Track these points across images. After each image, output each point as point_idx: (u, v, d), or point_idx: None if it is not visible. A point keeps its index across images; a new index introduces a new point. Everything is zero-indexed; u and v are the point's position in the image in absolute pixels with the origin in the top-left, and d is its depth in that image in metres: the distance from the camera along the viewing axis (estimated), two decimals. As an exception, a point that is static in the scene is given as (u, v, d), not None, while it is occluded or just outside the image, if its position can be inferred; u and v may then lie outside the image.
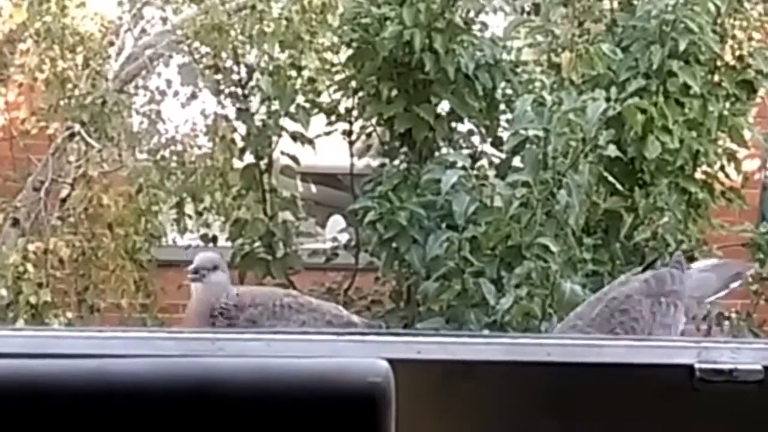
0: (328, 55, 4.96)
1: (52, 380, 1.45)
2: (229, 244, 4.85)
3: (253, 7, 4.83)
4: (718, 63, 4.69)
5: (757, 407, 1.71)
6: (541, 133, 4.24)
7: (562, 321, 3.08)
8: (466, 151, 4.79)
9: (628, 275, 3.12)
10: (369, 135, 4.96)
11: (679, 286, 2.82)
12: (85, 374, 1.46)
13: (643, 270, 2.98)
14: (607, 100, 4.31)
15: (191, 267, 2.86)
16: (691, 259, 4.75)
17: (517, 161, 4.55)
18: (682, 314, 2.80)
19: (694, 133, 4.60)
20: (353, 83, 4.83)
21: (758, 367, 1.70)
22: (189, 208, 4.95)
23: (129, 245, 4.86)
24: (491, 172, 4.62)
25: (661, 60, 4.51)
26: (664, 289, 2.79)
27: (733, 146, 4.79)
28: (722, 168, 4.78)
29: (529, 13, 5.08)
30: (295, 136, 4.89)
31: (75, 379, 1.45)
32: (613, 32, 4.74)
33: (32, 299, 4.63)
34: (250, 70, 4.91)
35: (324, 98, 4.93)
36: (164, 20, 5.20)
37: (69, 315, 4.76)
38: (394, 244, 4.53)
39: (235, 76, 4.91)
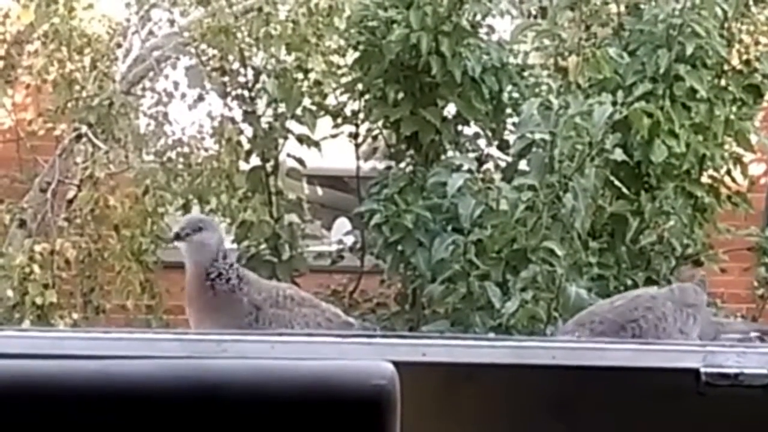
0: (335, 58, 4.97)
1: (57, 381, 1.45)
2: (234, 246, 4.85)
3: (260, 9, 4.83)
4: (725, 67, 4.69)
5: (763, 411, 1.71)
6: (547, 137, 4.23)
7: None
8: (472, 155, 4.79)
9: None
10: (375, 138, 4.97)
11: (700, 302, 2.90)
12: (90, 375, 1.46)
13: None
14: (614, 104, 4.31)
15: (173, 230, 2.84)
16: (698, 263, 4.76)
17: (523, 165, 4.55)
18: (698, 329, 2.86)
19: (700, 137, 4.59)
20: (360, 86, 4.83)
21: (764, 371, 1.70)
22: (195, 210, 4.95)
23: (135, 247, 4.86)
24: (497, 176, 4.62)
25: (668, 64, 4.51)
26: (687, 301, 2.88)
27: (740, 150, 4.79)
28: (728, 172, 4.78)
29: (536, 17, 5.08)
30: (301, 139, 4.89)
31: (79, 381, 1.45)
32: (620, 36, 4.73)
33: (38, 300, 4.63)
34: (257, 73, 4.91)
35: (330, 101, 4.93)
36: (171, 22, 5.21)
37: (75, 316, 4.76)
38: (399, 247, 4.53)
39: (241, 79, 4.92)
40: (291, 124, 4.89)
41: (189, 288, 2.78)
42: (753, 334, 3.04)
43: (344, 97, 4.91)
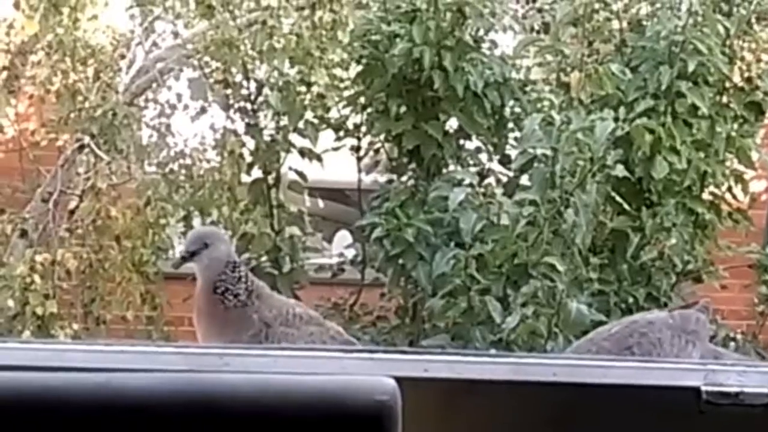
0: (338, 72, 4.97)
1: (58, 394, 1.45)
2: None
3: (264, 22, 4.84)
4: (727, 84, 4.70)
5: (764, 431, 1.71)
6: (549, 152, 4.24)
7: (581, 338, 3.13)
8: (473, 169, 4.79)
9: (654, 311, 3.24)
10: (377, 151, 4.97)
11: (701, 329, 2.90)
12: (91, 388, 1.46)
13: None
14: (616, 120, 4.32)
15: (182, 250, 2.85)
16: (698, 280, 4.76)
17: (524, 180, 4.56)
18: (697, 355, 2.86)
19: (701, 154, 4.60)
20: (362, 99, 4.84)
21: (765, 390, 1.69)
22: (196, 222, 4.96)
23: (136, 258, 4.87)
24: (499, 190, 4.63)
25: (670, 81, 4.52)
26: (687, 328, 2.88)
27: (741, 167, 4.79)
28: (729, 189, 4.79)
29: (538, 33, 5.10)
30: (303, 152, 4.90)
31: (81, 394, 1.45)
32: (622, 52, 4.75)
33: (39, 310, 4.63)
34: (260, 86, 4.92)
35: (333, 114, 4.94)
36: (175, 34, 5.22)
37: (75, 327, 4.76)
38: (400, 261, 4.53)
39: (244, 91, 4.93)
40: (293, 137, 4.89)
41: (198, 301, 2.79)
42: None
43: (347, 111, 4.92)
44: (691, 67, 4.52)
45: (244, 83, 4.93)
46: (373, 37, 4.70)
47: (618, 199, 4.43)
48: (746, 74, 4.75)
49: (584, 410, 1.73)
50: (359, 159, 4.99)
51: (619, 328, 2.87)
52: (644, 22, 4.81)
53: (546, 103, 4.63)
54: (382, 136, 4.85)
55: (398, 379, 1.46)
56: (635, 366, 1.86)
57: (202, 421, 1.44)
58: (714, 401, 1.68)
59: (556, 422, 1.72)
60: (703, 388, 1.69)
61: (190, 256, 2.79)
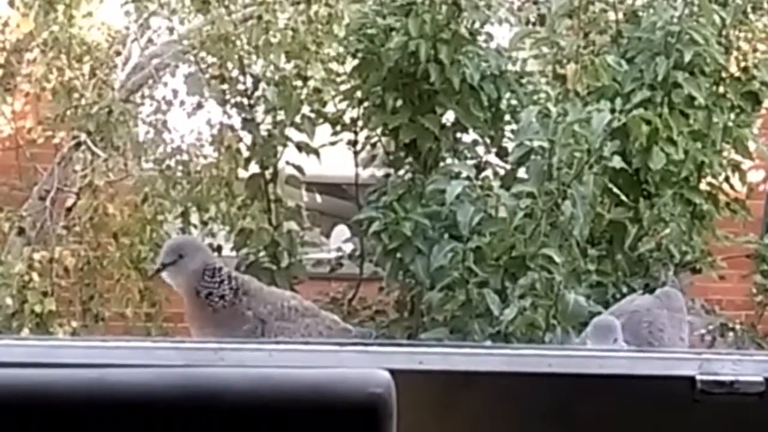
0: (334, 66, 4.97)
1: (55, 390, 1.46)
2: (234, 253, 4.85)
3: (259, 17, 4.84)
4: (723, 74, 4.70)
5: (758, 419, 1.71)
6: (546, 144, 4.24)
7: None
8: (470, 162, 4.79)
9: (634, 296, 3.26)
10: (374, 145, 4.98)
11: (683, 305, 2.94)
12: (88, 384, 1.47)
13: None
14: (612, 111, 4.32)
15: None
16: (696, 270, 4.76)
17: (522, 172, 4.56)
18: (687, 330, 2.90)
19: (698, 145, 4.60)
20: (358, 93, 4.84)
21: (759, 379, 1.70)
22: (194, 218, 4.96)
23: (134, 254, 4.87)
24: (496, 183, 4.63)
25: (666, 71, 4.51)
26: (674, 305, 2.90)
27: (738, 157, 4.79)
28: (727, 179, 4.79)
29: (534, 25, 5.09)
30: (300, 146, 4.90)
31: (77, 389, 1.46)
32: (618, 44, 4.74)
33: (37, 308, 4.63)
34: (256, 81, 4.92)
35: (329, 108, 4.94)
36: (171, 30, 5.22)
37: (74, 324, 4.77)
38: (398, 255, 4.53)
39: (240, 86, 4.93)
40: (290, 132, 4.89)
41: (187, 309, 2.79)
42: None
43: (343, 105, 4.92)
44: (687, 58, 4.52)
45: (241, 78, 4.93)
46: (369, 31, 4.70)
47: (615, 190, 4.44)
48: (742, 64, 4.74)
49: (580, 401, 1.73)
50: (356, 153, 4.99)
51: (624, 320, 2.88)
52: (640, 13, 4.81)
53: (542, 95, 4.63)
54: (378, 130, 4.85)
55: (393, 372, 1.46)
56: (630, 356, 1.87)
57: (198, 416, 1.45)
58: (709, 390, 1.69)
59: (552, 413, 1.73)
60: (698, 377, 1.69)
61: (163, 267, 2.78)
